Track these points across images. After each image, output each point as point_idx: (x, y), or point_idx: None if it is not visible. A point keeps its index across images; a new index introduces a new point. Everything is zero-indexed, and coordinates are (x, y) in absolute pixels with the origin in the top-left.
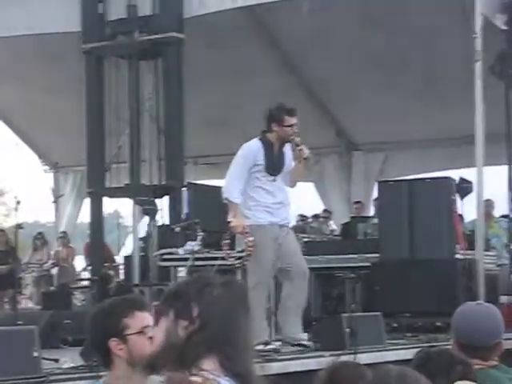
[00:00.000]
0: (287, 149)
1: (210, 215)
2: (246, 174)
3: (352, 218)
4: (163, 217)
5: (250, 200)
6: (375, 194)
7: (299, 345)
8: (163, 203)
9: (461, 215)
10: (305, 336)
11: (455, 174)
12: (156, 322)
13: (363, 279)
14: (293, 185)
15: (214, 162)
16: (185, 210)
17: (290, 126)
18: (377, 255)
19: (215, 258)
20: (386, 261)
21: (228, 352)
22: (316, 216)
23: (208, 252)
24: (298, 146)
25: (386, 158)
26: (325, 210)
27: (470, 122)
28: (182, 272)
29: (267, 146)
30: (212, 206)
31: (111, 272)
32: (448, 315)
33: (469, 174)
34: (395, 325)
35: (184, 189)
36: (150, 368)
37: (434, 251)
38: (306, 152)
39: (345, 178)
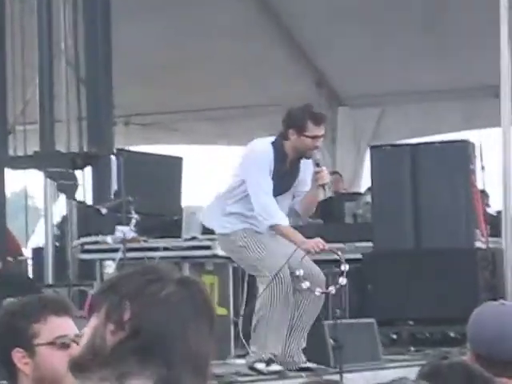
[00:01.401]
0: (306, 165)
1: (146, 192)
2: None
3: (336, 194)
4: (85, 195)
5: (228, 210)
6: (367, 163)
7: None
8: (85, 177)
9: (483, 191)
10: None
11: (473, 136)
12: (88, 317)
13: (352, 276)
14: (304, 214)
15: (152, 122)
16: (114, 185)
17: (313, 137)
18: (370, 244)
19: (155, 249)
20: (381, 252)
21: (168, 374)
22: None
23: (145, 241)
24: (317, 165)
25: (382, 115)
26: None
27: (494, 69)
28: (111, 267)
29: (279, 155)
30: (150, 179)
31: (17, 267)
32: (464, 322)
33: (491, 135)
34: (394, 336)
35: (113, 157)
36: (75, 370)
37: (445, 238)
38: (326, 178)
39: (327, 142)
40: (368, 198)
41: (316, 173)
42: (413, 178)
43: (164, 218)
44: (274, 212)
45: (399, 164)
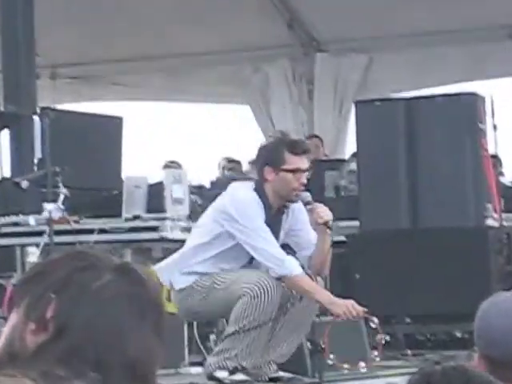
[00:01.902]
0: (299, 213)
1: (78, 161)
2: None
3: (315, 163)
4: (1, 165)
5: (191, 270)
6: (352, 123)
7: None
8: (1, 142)
9: (495, 156)
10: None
11: (483, 88)
12: (9, 311)
13: (334, 263)
14: (320, 270)
15: (85, 74)
16: (37, 152)
17: (295, 170)
18: (356, 224)
19: (89, 231)
20: (370, 233)
21: (102, 381)
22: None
23: (77, 222)
24: (308, 204)
25: (370, 63)
26: None
27: (508, 4)
28: (34, 255)
29: (264, 204)
30: (82, 145)
31: None
32: (473, 319)
33: (505, 86)
34: (387, 337)
35: (36, 118)
36: None
37: (449, 216)
38: (325, 214)
39: (302, 96)
40: (353, 166)
41: (311, 213)
42: (408, 141)
43: (100, 192)
44: (288, 260)
45: (391, 124)
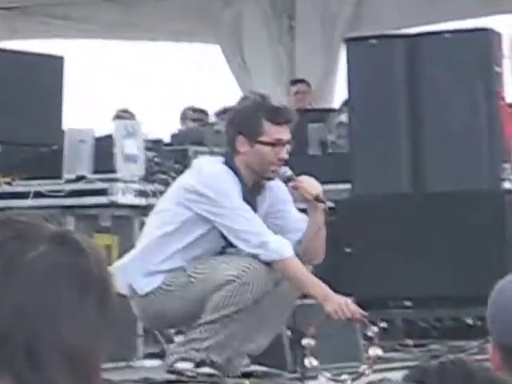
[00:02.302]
0: (279, 191)
1: (9, 110)
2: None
3: (298, 112)
4: None
5: (154, 269)
6: (342, 64)
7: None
8: None
9: None
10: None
11: (499, 24)
12: None
13: None
14: (314, 257)
15: (17, 5)
16: None
17: (274, 143)
18: (347, 187)
19: (22, 195)
20: (364, 199)
21: (33, 378)
22: (224, 112)
23: (8, 183)
24: (289, 180)
25: None
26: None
27: None
28: None
29: (238, 180)
30: (14, 90)
31: None
32: (486, 303)
33: None
34: (384, 324)
35: None
36: None
37: (458, 178)
38: (313, 187)
39: (283, 34)
40: (343, 118)
41: (295, 190)
42: (410, 88)
43: (37, 148)
44: (276, 241)
45: (389, 65)
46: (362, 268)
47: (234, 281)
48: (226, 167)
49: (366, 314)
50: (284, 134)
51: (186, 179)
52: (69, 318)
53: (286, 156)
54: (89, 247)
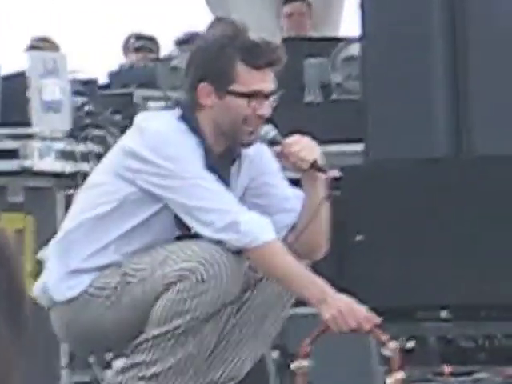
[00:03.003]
0: (262, 160)
1: None
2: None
3: (286, 41)
4: None
5: (76, 267)
6: None
7: None
8: None
9: None
10: None
11: None
12: None
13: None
14: (313, 248)
15: None
16: None
17: (252, 94)
18: (358, 148)
19: None
20: (383, 165)
21: None
22: (187, 40)
23: None
24: (274, 143)
25: None
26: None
27: None
28: None
29: (199, 143)
30: None
31: None
32: None
33: None
34: (411, 343)
35: None
36: None
37: (500, 138)
38: (305, 153)
39: None
40: (354, 50)
41: (283, 157)
42: (447, 16)
43: None
44: (250, 221)
45: None
46: (379, 263)
47: (188, 277)
48: (181, 125)
49: (379, 321)
50: (265, 81)
51: (125, 141)
52: None
53: (268, 112)
54: None
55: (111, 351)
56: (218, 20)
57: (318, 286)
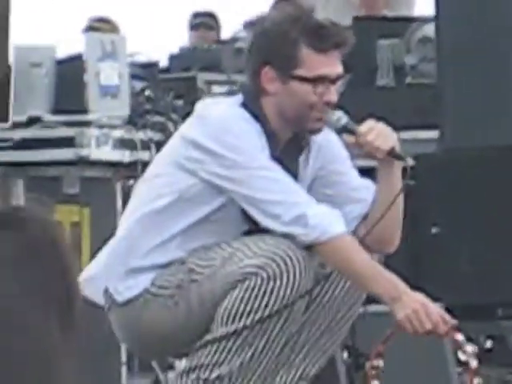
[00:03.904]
0: (330, 147)
1: None
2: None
3: (358, 20)
4: None
5: (135, 265)
6: None
7: None
8: None
9: None
10: None
11: None
12: None
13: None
14: (387, 241)
15: None
16: None
17: (317, 79)
18: (433, 135)
19: None
20: (460, 153)
21: None
22: (255, 23)
23: None
24: (346, 130)
25: None
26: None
27: None
28: None
29: (263, 131)
30: None
31: None
32: None
33: None
34: (489, 343)
35: None
36: None
37: None
38: (381, 141)
39: None
40: (429, 30)
41: (355, 145)
42: None
43: None
44: (320, 214)
45: None
46: (455, 258)
47: (256, 274)
48: (244, 112)
49: (456, 323)
50: (332, 65)
51: (186, 130)
52: (18, 334)
53: (334, 98)
54: (47, 230)
55: (174, 353)
56: (284, 3)
57: (391, 283)
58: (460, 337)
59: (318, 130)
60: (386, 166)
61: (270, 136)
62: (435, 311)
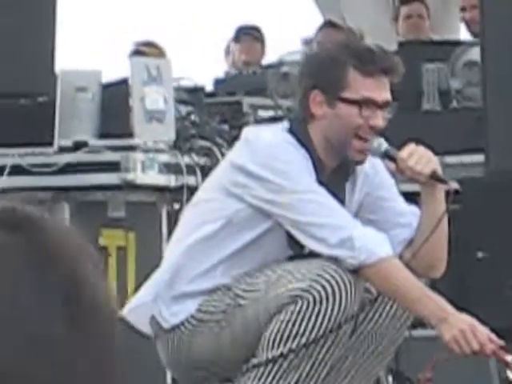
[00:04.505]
0: (378, 174)
1: None
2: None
3: (404, 45)
4: None
5: (183, 290)
6: None
7: None
8: None
9: None
10: None
11: None
12: None
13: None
14: (432, 266)
15: None
16: None
17: (364, 101)
18: (479, 159)
19: None
20: (506, 176)
21: None
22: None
23: None
24: (389, 158)
25: None
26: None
27: None
28: None
29: (311, 158)
30: None
31: None
32: None
33: None
34: None
35: None
36: None
37: None
38: (422, 166)
39: None
40: (473, 54)
41: (397, 171)
42: None
43: (16, 100)
44: (366, 235)
45: None
46: (502, 282)
47: (302, 297)
48: (290, 137)
49: (503, 343)
50: (379, 89)
51: (233, 155)
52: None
53: (381, 123)
54: (70, 239)
55: (220, 379)
56: (328, 23)
57: (438, 305)
58: (508, 357)
59: (360, 162)
60: (428, 190)
61: (317, 162)
62: (481, 331)
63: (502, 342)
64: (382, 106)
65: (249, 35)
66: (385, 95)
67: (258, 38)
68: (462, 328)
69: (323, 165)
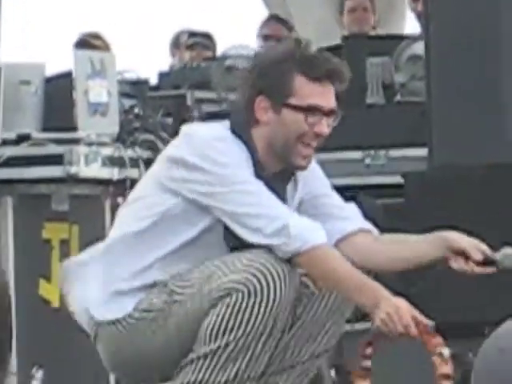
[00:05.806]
0: (315, 176)
1: None
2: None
3: (348, 38)
4: None
5: (122, 288)
6: None
7: None
8: None
9: None
10: None
11: None
12: None
13: (384, 226)
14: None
15: None
16: None
17: (311, 108)
18: (422, 153)
19: None
20: (450, 171)
21: None
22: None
23: None
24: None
25: None
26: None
27: None
28: None
29: (251, 157)
30: None
31: None
32: None
33: None
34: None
35: None
36: None
37: None
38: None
39: None
40: (417, 48)
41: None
42: None
43: None
44: (300, 225)
45: None
46: (445, 277)
47: (237, 290)
48: (233, 136)
49: (430, 324)
50: (324, 96)
51: (169, 150)
52: None
53: (326, 131)
54: None
55: (161, 377)
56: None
57: (373, 290)
58: (435, 338)
59: (303, 167)
60: (439, 259)
61: (257, 164)
62: (407, 313)
63: (429, 323)
64: (327, 113)
65: (199, 44)
66: (331, 103)
67: (209, 47)
68: (388, 311)
69: (263, 167)
